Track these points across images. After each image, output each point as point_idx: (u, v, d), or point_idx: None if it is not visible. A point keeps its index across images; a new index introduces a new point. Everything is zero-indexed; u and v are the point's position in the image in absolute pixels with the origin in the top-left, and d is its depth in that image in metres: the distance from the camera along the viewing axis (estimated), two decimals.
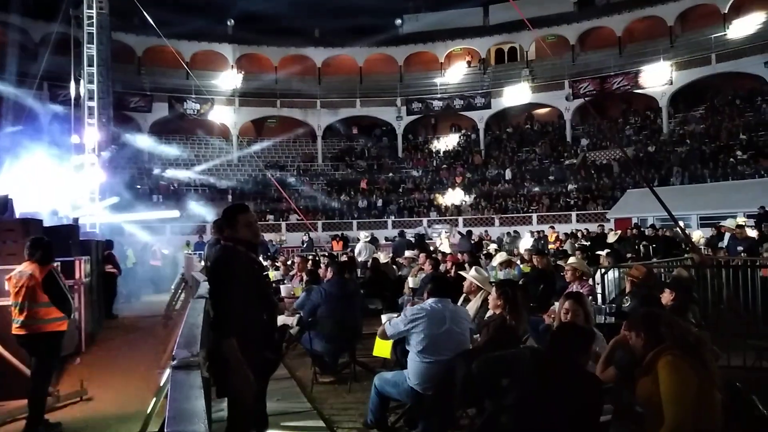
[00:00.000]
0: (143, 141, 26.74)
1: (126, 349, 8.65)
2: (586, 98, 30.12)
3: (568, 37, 31.58)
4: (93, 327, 9.22)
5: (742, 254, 10.79)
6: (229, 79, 31.73)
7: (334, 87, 33.47)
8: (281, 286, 9.10)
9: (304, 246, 19.64)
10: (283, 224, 26.29)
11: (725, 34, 26.85)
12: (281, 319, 7.31)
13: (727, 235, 12.74)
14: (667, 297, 4.97)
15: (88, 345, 8.43)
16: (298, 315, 7.25)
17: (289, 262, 12.59)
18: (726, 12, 26.94)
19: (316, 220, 26.46)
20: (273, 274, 10.45)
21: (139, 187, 25.63)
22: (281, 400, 5.36)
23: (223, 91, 31.42)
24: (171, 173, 28.45)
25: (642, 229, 17.09)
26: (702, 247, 12.72)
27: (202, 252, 12.60)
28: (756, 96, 25.98)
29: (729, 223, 14.09)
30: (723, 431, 2.78)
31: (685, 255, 10.66)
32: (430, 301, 4.40)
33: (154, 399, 3.92)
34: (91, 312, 9.01)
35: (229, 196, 26.76)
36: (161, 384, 4.05)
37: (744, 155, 22.41)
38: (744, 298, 7.12)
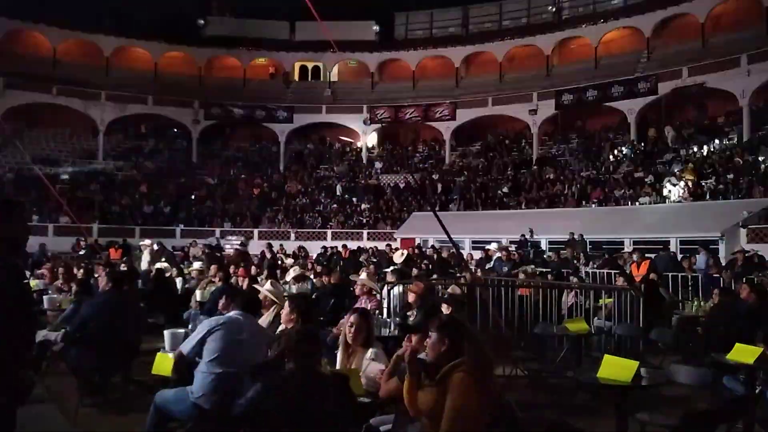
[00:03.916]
0: None
1: None
2: (382, 124, 32.03)
3: (369, 64, 33.27)
4: None
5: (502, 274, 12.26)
6: None
7: (124, 80, 30.75)
8: (44, 297, 8.00)
9: (83, 253, 17.51)
10: (50, 226, 23.23)
11: (500, 81, 30.70)
12: (42, 334, 6.43)
13: (494, 257, 14.40)
14: (444, 311, 5.42)
15: None
16: (63, 330, 6.44)
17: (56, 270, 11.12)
18: (501, 61, 30.80)
19: (91, 224, 23.83)
20: (35, 283, 9.14)
21: None
22: (39, 425, 4.67)
23: None
24: None
25: (423, 249, 18.53)
26: (473, 268, 14.18)
27: None
28: (521, 138, 30.07)
29: (493, 246, 15.97)
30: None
31: (459, 274, 11.81)
32: (234, 312, 4.31)
33: None
34: None
35: None
36: None
37: (508, 189, 25.66)
38: (505, 314, 8.07)
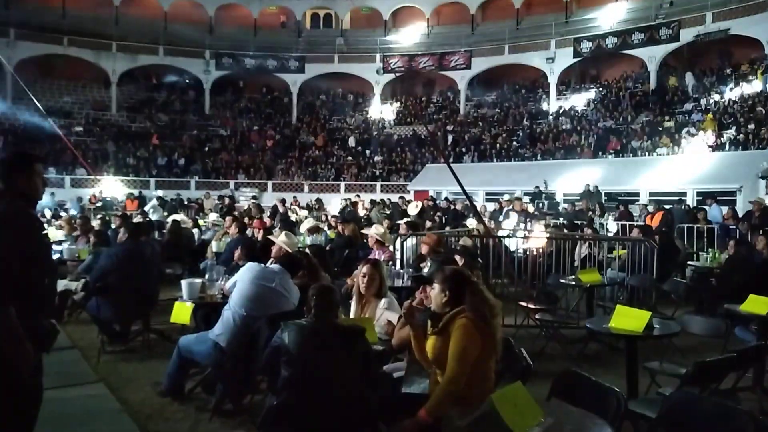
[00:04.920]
0: None
1: None
2: (396, 74, 31.46)
3: (382, 11, 32.42)
4: None
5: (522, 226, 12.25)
6: (3, 6, 26.99)
7: (134, 30, 30.32)
8: (63, 247, 8.15)
9: (99, 204, 17.80)
10: (67, 178, 23.51)
11: (517, 28, 29.85)
12: (63, 284, 6.60)
13: (507, 209, 14.35)
14: (458, 262, 5.45)
15: None
16: (83, 279, 6.60)
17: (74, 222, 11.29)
18: (518, 7, 29.86)
19: (106, 176, 24.08)
20: (54, 234, 9.30)
21: None
22: (63, 371, 4.84)
23: None
24: None
25: (437, 201, 18.51)
26: (486, 220, 14.16)
27: None
28: (538, 87, 29.47)
29: (507, 198, 15.89)
30: (497, 381, 3.13)
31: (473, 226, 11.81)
32: (274, 265, 4.60)
33: None
34: None
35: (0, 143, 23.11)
36: None
37: (523, 140, 25.31)
38: (518, 265, 8.11)
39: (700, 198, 16.18)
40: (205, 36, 31.56)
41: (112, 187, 13.88)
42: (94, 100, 30.05)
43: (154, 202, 16.29)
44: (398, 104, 31.87)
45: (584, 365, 5.18)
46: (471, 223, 11.56)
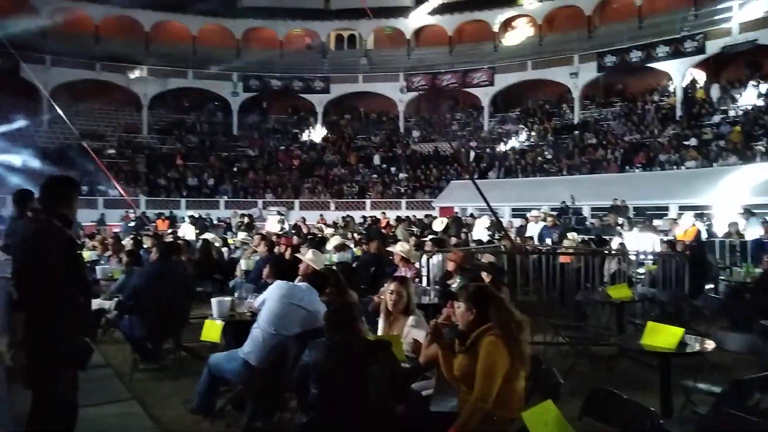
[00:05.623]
0: None
1: None
2: (419, 92, 31.65)
3: (405, 31, 32.73)
4: None
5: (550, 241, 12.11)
6: (39, 35, 27.93)
7: (164, 54, 31.14)
8: (97, 268, 8.33)
9: (133, 225, 18.13)
10: (101, 200, 24.07)
11: (540, 44, 29.81)
12: (97, 303, 6.74)
13: (535, 225, 14.20)
14: (485, 279, 5.44)
15: None
16: (116, 299, 6.73)
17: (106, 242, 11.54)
18: (541, 24, 29.87)
19: (139, 197, 24.61)
20: (88, 254, 9.52)
21: None
22: (97, 389, 4.94)
23: (32, 47, 27.53)
24: None
25: (462, 217, 18.45)
26: (513, 236, 14.03)
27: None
28: (562, 102, 29.31)
29: (533, 214, 15.75)
30: (527, 399, 3.10)
31: (499, 242, 11.74)
32: (300, 282, 4.64)
33: None
34: None
35: (38, 164, 23.76)
36: None
37: (549, 155, 25.16)
38: (546, 282, 8.02)
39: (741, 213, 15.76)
40: (232, 59, 32.21)
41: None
42: (126, 123, 30.84)
43: (187, 221, 16.60)
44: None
45: (616, 383, 5.09)
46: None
